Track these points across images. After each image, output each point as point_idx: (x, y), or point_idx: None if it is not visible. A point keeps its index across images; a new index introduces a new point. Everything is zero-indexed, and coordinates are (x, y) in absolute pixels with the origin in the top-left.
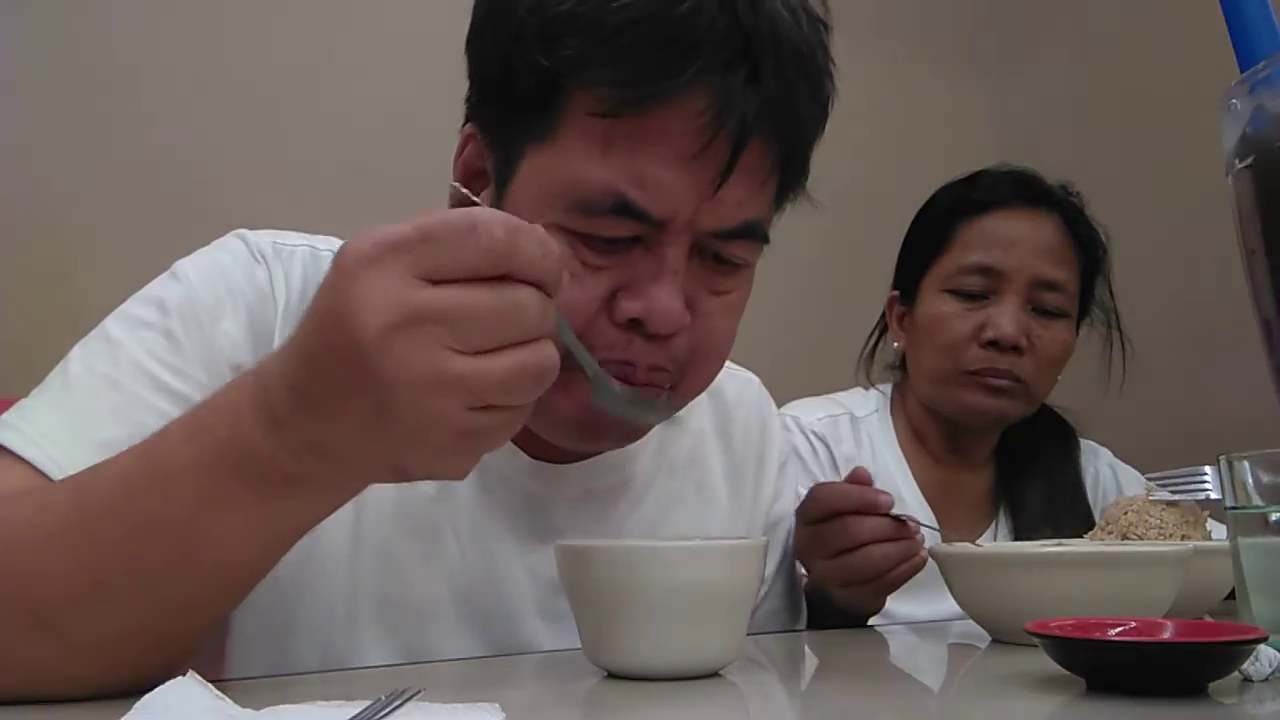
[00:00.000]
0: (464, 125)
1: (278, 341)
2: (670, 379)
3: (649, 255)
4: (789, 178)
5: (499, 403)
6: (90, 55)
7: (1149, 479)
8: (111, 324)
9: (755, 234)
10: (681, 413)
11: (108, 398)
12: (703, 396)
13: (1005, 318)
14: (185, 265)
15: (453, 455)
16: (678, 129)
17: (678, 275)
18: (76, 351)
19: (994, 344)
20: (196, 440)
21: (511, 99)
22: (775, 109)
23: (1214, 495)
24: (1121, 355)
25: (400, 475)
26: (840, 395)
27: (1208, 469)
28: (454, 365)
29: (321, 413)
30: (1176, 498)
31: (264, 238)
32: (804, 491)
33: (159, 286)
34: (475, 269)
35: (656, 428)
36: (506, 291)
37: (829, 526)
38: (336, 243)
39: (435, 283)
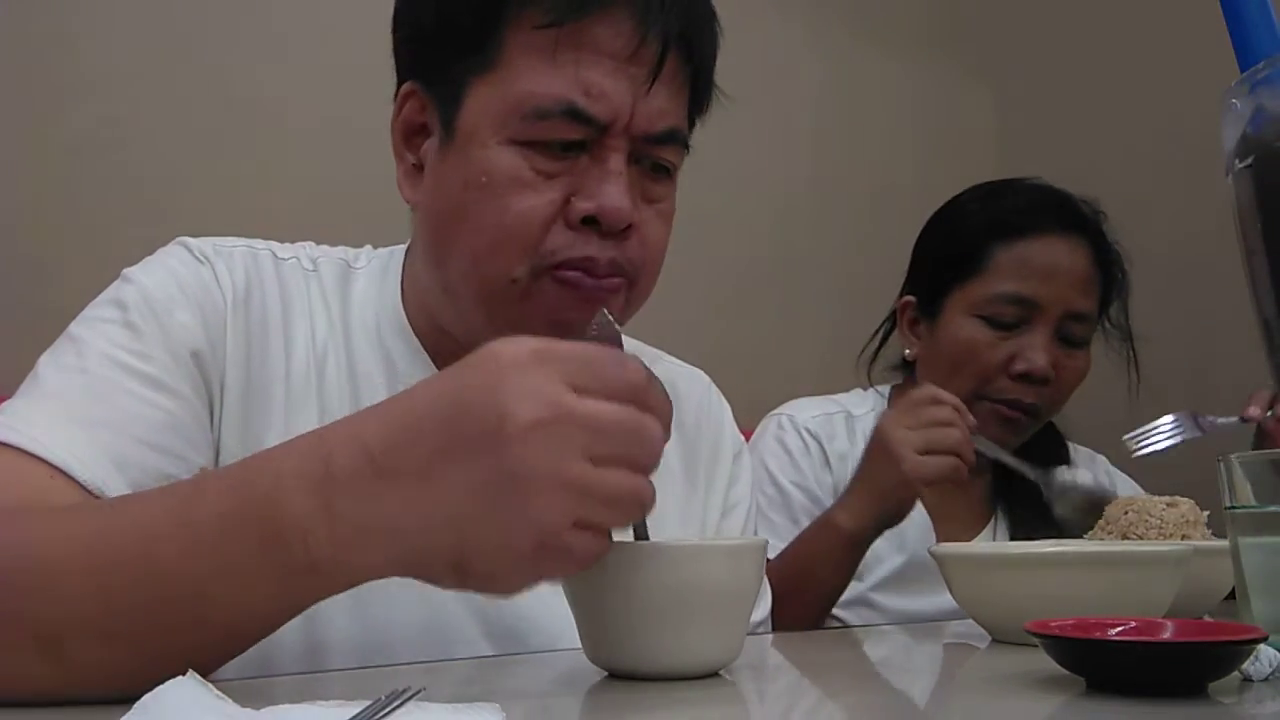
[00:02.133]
0: (398, 89)
1: (229, 333)
2: (625, 281)
3: (595, 162)
4: (698, 93)
5: (599, 519)
6: (77, 58)
7: (1125, 439)
8: (73, 328)
9: (679, 139)
10: None
11: (80, 384)
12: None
13: (1038, 351)
14: (134, 271)
15: (524, 564)
16: (612, 34)
17: (622, 176)
18: (44, 358)
19: (1024, 376)
20: (234, 494)
21: (453, 39)
22: (688, 24)
23: (1187, 437)
24: (1135, 369)
25: (458, 573)
26: (838, 395)
27: (1175, 414)
28: (579, 469)
29: (398, 484)
30: (1152, 449)
31: (204, 241)
32: (785, 483)
33: (113, 291)
34: (616, 395)
35: None
36: (641, 415)
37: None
38: (273, 244)
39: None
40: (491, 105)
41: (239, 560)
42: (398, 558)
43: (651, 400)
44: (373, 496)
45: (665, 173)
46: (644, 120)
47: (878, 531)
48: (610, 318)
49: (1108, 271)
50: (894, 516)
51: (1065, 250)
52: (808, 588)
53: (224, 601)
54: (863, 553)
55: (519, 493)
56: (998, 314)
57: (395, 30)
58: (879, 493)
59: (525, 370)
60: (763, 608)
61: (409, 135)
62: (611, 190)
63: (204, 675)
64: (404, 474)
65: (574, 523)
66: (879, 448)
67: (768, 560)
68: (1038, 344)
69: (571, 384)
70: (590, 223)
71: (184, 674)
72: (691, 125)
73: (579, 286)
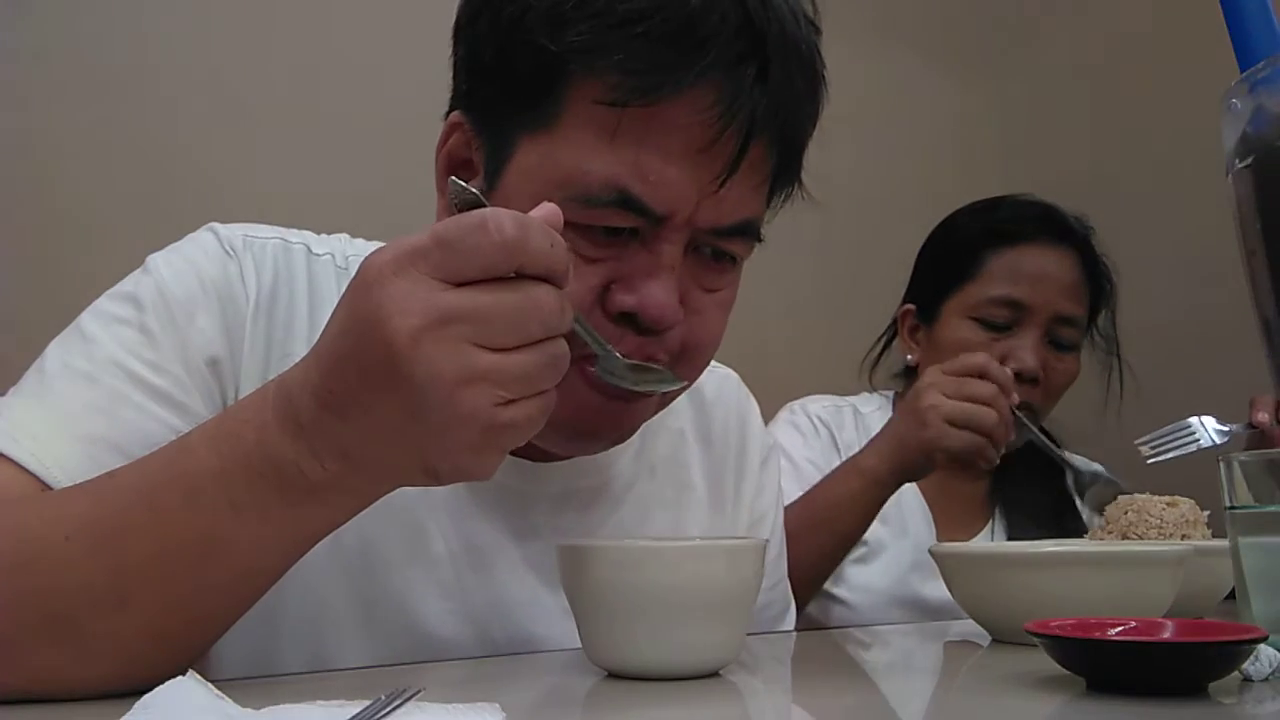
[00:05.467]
0: (448, 114)
1: (248, 337)
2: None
3: (645, 250)
4: (785, 178)
5: (523, 394)
6: (92, 56)
7: (1138, 444)
8: (87, 320)
9: (750, 232)
10: (660, 413)
11: (86, 393)
12: (681, 396)
13: (1027, 351)
14: (158, 261)
15: (482, 452)
16: (686, 121)
17: (673, 271)
18: (52, 348)
19: (1015, 375)
20: (223, 450)
21: (508, 86)
22: (780, 108)
23: (1204, 444)
24: (1120, 381)
25: (431, 476)
26: (847, 396)
27: (1193, 420)
28: (481, 360)
29: (348, 418)
30: (1169, 455)
31: (235, 230)
32: (798, 458)
33: (132, 283)
34: (491, 267)
35: (638, 430)
36: (526, 290)
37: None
38: (309, 236)
39: (458, 285)
40: (538, 171)
41: (249, 499)
42: (379, 476)
43: (531, 253)
44: (336, 430)
45: (730, 260)
46: (710, 213)
47: (897, 481)
48: (463, 184)
49: (1095, 281)
50: (915, 471)
51: (1054, 257)
52: (827, 526)
53: (239, 543)
54: (883, 498)
55: (437, 400)
56: (990, 316)
57: (455, 46)
58: (902, 446)
59: (391, 281)
60: (788, 621)
61: (453, 169)
62: (656, 289)
63: (213, 636)
64: (346, 406)
65: (500, 403)
66: (911, 406)
67: (790, 504)
68: (1027, 344)
69: (440, 277)
70: (629, 317)
71: (195, 641)
72: (772, 203)
73: (608, 389)
